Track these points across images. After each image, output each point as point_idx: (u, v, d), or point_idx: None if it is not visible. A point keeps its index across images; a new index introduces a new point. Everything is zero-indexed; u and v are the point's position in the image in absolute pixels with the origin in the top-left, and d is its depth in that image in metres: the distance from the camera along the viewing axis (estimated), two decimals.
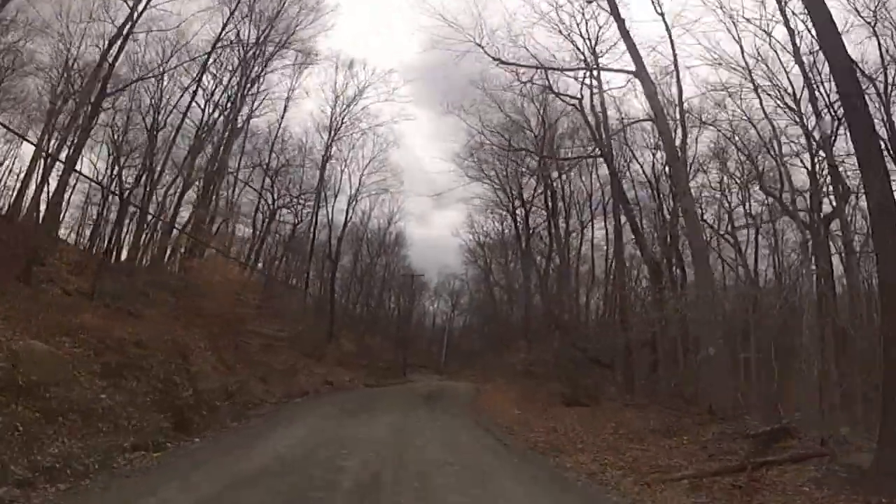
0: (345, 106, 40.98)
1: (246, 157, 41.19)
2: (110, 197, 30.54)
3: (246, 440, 12.84)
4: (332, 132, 40.70)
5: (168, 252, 33.03)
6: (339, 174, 46.53)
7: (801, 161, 22.18)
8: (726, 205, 29.19)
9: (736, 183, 27.75)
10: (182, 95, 33.88)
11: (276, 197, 45.12)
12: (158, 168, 35.57)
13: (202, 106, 35.01)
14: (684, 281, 29.72)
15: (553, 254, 38.37)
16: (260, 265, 38.98)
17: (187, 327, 23.99)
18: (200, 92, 34.52)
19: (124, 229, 35.53)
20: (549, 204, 35.50)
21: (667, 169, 29.90)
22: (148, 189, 31.04)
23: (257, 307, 33.05)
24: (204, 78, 34.28)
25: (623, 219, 28.98)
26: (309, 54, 37.22)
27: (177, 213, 33.03)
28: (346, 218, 46.60)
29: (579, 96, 28.09)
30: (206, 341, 23.63)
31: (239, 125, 36.66)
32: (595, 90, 27.31)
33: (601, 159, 29.92)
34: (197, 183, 34.08)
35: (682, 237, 31.14)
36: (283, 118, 39.36)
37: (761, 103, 22.22)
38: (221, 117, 34.71)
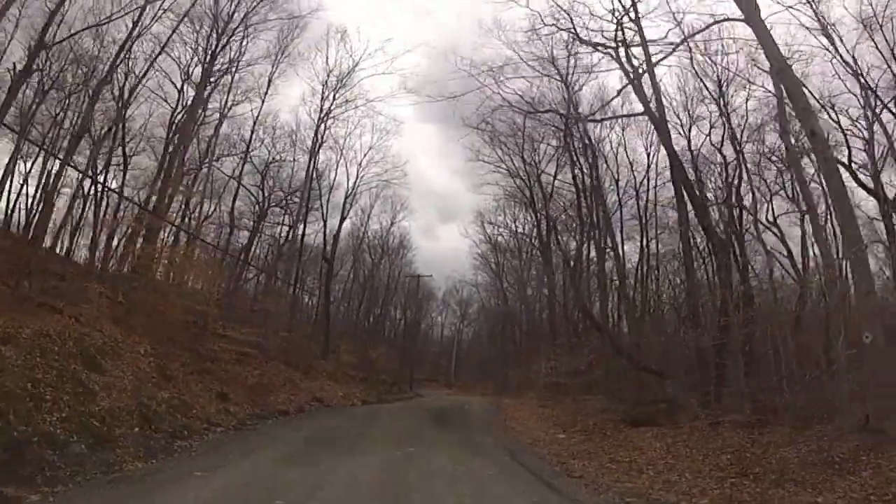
0: (337, 82, 35.28)
1: (228, 146, 35.69)
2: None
3: None
4: (324, 113, 34.94)
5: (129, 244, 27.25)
6: (334, 165, 40.87)
7: None
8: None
9: None
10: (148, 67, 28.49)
11: (266, 194, 39.72)
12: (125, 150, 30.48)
13: (179, 87, 29.60)
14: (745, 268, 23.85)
15: (586, 241, 32.18)
16: (230, 258, 33.05)
17: (129, 327, 18.54)
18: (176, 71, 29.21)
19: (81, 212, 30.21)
20: (583, 173, 29.24)
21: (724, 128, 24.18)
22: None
23: (224, 306, 27.35)
24: (178, 53, 28.93)
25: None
26: (296, 17, 31.54)
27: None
28: (342, 213, 40.83)
29: (614, 44, 22.39)
30: (149, 346, 17.95)
31: (214, 106, 31.19)
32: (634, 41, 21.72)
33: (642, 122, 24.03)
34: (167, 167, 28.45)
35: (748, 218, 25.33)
36: (265, 96, 33.65)
37: None
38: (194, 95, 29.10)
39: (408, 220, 56.43)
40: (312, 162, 35.32)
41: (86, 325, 17.30)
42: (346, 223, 47.04)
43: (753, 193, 25.97)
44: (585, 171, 28.96)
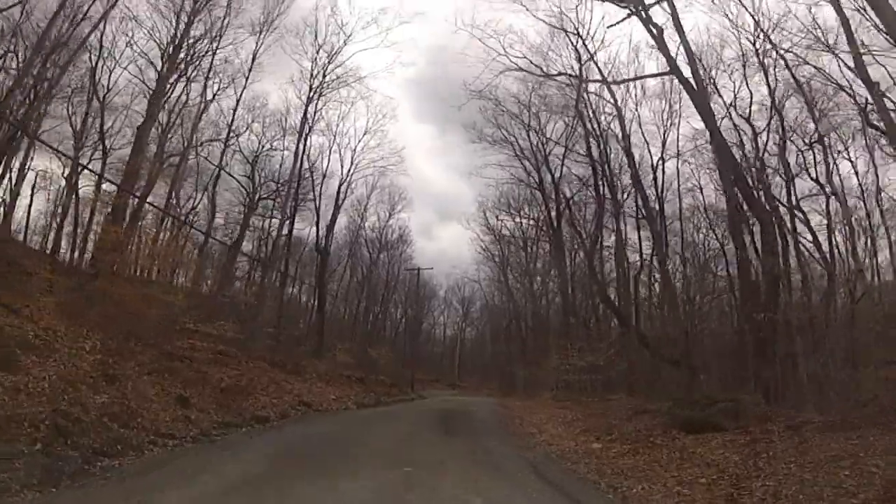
0: (328, 58, 32.34)
1: (216, 132, 32.80)
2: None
3: None
4: (314, 91, 32.00)
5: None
6: (326, 151, 37.94)
7: None
8: None
9: None
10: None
11: (256, 185, 36.78)
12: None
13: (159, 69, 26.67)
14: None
15: (603, 222, 29.11)
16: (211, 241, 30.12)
17: (81, 320, 15.78)
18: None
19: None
20: (600, 142, 26.18)
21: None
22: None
23: (206, 301, 24.44)
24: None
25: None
26: None
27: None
28: (336, 202, 37.84)
29: None
30: (98, 341, 15.13)
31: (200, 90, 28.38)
32: None
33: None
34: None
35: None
36: (250, 73, 30.77)
37: None
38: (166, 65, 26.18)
39: (406, 211, 53.33)
40: (302, 144, 32.43)
41: (22, 317, 14.52)
42: (342, 216, 44.19)
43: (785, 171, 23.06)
44: (601, 138, 25.94)
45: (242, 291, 30.04)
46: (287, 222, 33.26)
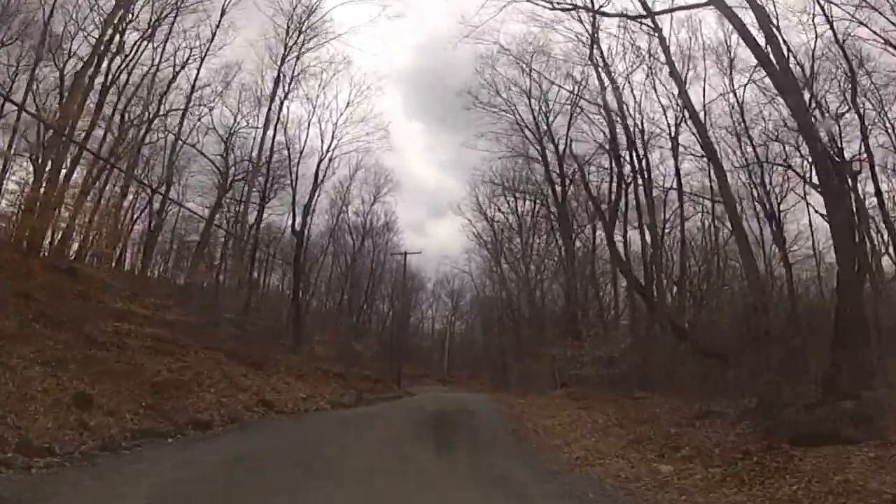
0: (304, 12, 28.38)
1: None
2: None
3: None
4: (288, 50, 28.10)
5: None
6: (304, 124, 33.99)
7: None
8: None
9: None
10: None
11: (229, 165, 32.72)
12: None
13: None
14: None
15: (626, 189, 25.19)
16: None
17: None
18: None
19: None
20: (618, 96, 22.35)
21: None
22: None
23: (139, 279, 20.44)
24: None
25: None
26: None
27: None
28: (316, 179, 33.83)
29: None
30: None
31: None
32: None
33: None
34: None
35: None
36: (217, 28, 26.79)
37: None
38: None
39: (393, 195, 49.17)
40: (276, 110, 28.50)
41: None
42: (323, 199, 40.33)
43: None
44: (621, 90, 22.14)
45: (204, 273, 25.98)
46: (258, 201, 29.24)
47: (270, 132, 27.32)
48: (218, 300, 22.72)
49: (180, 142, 29.93)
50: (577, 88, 26.71)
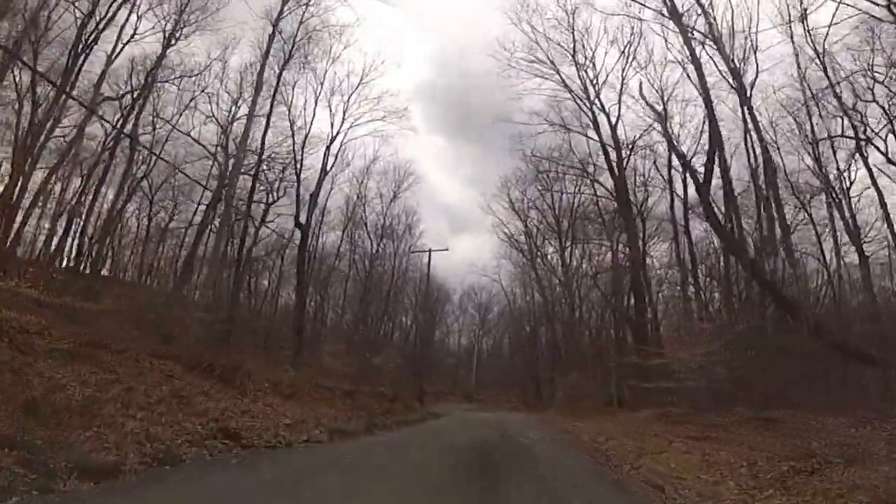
0: None
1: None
2: None
3: None
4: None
5: None
6: (311, 100, 28.96)
7: None
8: None
9: None
10: None
11: (228, 155, 27.83)
12: None
13: None
14: None
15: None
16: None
17: None
18: None
19: None
20: None
21: None
22: None
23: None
24: None
25: None
26: None
27: None
28: (324, 164, 28.78)
29: None
30: None
31: None
32: None
33: None
34: None
35: None
36: None
37: None
38: None
39: (414, 189, 44.22)
40: (276, 74, 23.53)
41: None
42: (336, 194, 35.32)
43: None
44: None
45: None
46: (252, 182, 24.19)
47: (257, 91, 21.93)
48: (188, 294, 17.47)
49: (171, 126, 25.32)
50: (629, 49, 21.45)
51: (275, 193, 28.42)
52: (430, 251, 30.53)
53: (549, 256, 39.37)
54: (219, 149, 28.89)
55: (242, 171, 26.96)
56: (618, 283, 29.46)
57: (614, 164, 24.11)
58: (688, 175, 20.10)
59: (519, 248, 40.29)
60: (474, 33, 68.03)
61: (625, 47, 23.49)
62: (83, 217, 24.05)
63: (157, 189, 28.95)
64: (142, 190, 28.30)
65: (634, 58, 24.26)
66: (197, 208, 27.85)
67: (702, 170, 18.17)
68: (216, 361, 14.09)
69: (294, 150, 27.69)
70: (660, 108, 22.56)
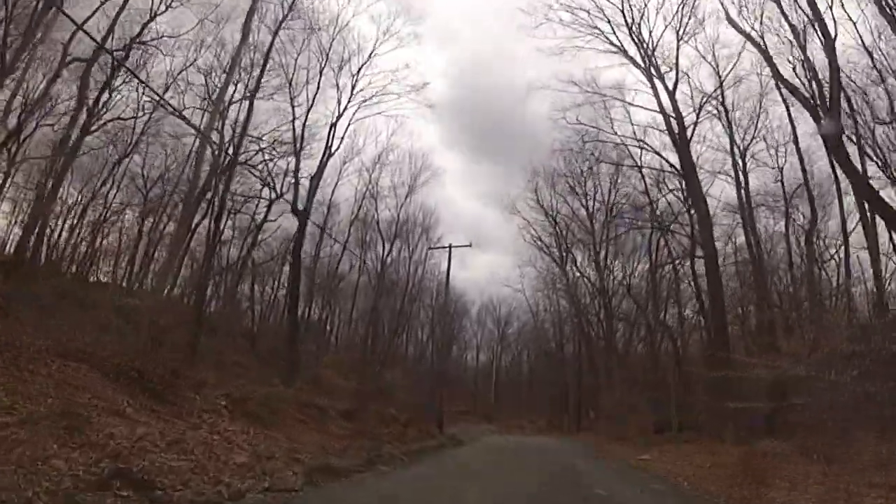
0: None
1: None
2: None
3: None
4: None
5: None
6: (315, 69, 24.78)
7: None
8: None
9: None
10: None
11: (224, 139, 23.73)
12: None
13: None
14: None
15: None
16: None
17: None
18: None
19: None
20: None
21: None
22: None
23: None
24: None
25: None
26: None
27: None
28: (328, 145, 24.53)
29: None
30: None
31: None
32: None
33: None
34: None
35: None
36: None
37: None
38: None
39: (433, 183, 40.67)
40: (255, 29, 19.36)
41: None
42: (343, 186, 31.27)
43: None
44: None
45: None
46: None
47: (244, 38, 17.74)
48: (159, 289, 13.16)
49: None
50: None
51: (278, 188, 24.33)
52: (450, 246, 26.10)
53: (579, 262, 34.79)
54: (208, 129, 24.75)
55: (233, 152, 22.88)
56: (669, 283, 24.87)
57: (676, 136, 19.64)
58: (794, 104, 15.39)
59: (548, 252, 35.67)
60: (492, 49, 66.08)
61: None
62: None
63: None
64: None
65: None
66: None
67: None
68: (147, 368, 9.69)
69: (294, 128, 23.55)
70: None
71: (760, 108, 21.64)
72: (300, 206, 23.47)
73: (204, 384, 11.45)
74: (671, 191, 24.81)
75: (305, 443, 11.50)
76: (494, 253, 75.08)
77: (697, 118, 20.06)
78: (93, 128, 20.47)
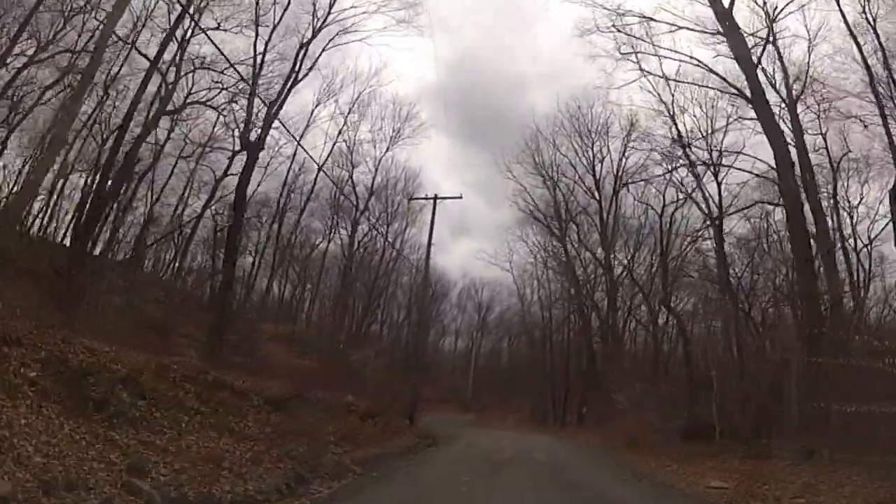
0: None
1: None
2: None
3: None
4: None
5: None
6: None
7: None
8: None
9: None
10: None
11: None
12: None
13: None
14: None
15: None
16: None
17: None
18: None
19: None
20: None
21: None
22: None
23: None
24: None
25: None
26: None
27: None
28: (293, 71, 19.38)
29: None
30: None
31: None
32: None
33: None
34: None
35: None
36: None
37: None
38: None
39: (421, 138, 36.03)
40: None
41: None
42: (318, 136, 26.33)
43: None
44: None
45: None
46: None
47: None
48: None
49: None
50: None
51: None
52: (435, 197, 20.70)
53: (583, 235, 30.02)
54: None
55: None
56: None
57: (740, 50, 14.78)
58: None
59: (545, 222, 30.78)
60: (488, 38, 63.27)
61: None
62: None
63: None
64: None
65: None
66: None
67: None
68: None
69: (255, 49, 18.35)
70: None
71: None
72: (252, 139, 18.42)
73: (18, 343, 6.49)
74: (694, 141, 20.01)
75: (182, 450, 6.56)
76: (479, 241, 71.63)
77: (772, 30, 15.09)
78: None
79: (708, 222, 19.27)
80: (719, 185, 21.73)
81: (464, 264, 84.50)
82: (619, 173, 28.36)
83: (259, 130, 19.12)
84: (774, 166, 14.55)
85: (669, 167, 20.59)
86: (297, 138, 21.94)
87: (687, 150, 20.24)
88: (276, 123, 19.19)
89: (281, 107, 19.73)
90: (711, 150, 21.23)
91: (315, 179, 26.65)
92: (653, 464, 12.81)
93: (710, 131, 19.97)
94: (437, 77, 56.33)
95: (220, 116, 20.25)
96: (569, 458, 13.59)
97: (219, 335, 15.01)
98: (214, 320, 15.58)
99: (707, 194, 20.61)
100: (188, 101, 20.27)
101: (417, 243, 34.02)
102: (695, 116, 20.76)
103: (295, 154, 24.97)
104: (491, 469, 10.51)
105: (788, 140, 14.21)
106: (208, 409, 8.92)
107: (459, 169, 69.31)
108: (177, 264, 24.42)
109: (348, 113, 27.24)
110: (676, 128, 19.69)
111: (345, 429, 11.18)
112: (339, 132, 27.45)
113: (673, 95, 20.29)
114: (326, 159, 25.65)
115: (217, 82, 19.57)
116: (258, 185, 24.68)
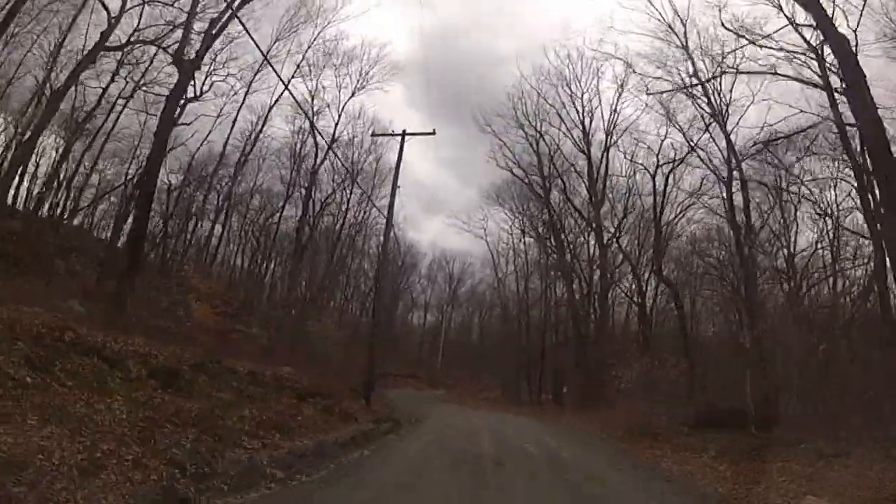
0: None
1: None
2: None
3: None
4: None
5: None
6: None
7: None
8: None
9: None
10: None
11: None
12: None
13: None
14: None
15: None
16: None
17: None
18: None
19: None
20: None
21: None
22: None
23: None
24: None
25: None
26: None
27: None
28: None
29: None
30: None
31: None
32: None
33: None
34: None
35: None
36: None
37: None
38: None
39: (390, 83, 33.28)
40: None
41: None
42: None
43: None
44: None
45: None
46: None
47: None
48: None
49: None
50: None
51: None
52: (403, 133, 17.23)
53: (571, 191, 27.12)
54: None
55: None
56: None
57: None
58: None
59: (526, 180, 27.77)
60: (467, 15, 63.42)
61: None
62: None
63: None
64: None
65: None
66: None
67: None
68: None
69: None
70: None
71: None
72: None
73: None
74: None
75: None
76: (451, 220, 71.77)
77: None
78: None
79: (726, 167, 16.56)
80: (727, 136, 19.32)
81: (435, 239, 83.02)
82: (612, 128, 25.54)
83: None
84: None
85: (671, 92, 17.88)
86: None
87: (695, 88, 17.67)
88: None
89: (224, 23, 16.20)
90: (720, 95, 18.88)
91: (265, 119, 23.08)
92: (675, 458, 9.99)
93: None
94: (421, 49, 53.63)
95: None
96: (573, 455, 10.63)
97: (124, 291, 11.66)
98: (120, 274, 12.22)
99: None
100: (132, 38, 17.71)
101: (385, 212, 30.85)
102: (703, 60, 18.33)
103: (245, 97, 21.40)
104: (470, 474, 7.50)
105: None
106: (41, 382, 5.69)
107: (431, 144, 67.97)
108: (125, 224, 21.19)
109: (307, 49, 23.52)
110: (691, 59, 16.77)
111: (270, 412, 8.03)
112: (297, 67, 23.74)
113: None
114: (286, 88, 21.78)
115: (169, 21, 17.08)
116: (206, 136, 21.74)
